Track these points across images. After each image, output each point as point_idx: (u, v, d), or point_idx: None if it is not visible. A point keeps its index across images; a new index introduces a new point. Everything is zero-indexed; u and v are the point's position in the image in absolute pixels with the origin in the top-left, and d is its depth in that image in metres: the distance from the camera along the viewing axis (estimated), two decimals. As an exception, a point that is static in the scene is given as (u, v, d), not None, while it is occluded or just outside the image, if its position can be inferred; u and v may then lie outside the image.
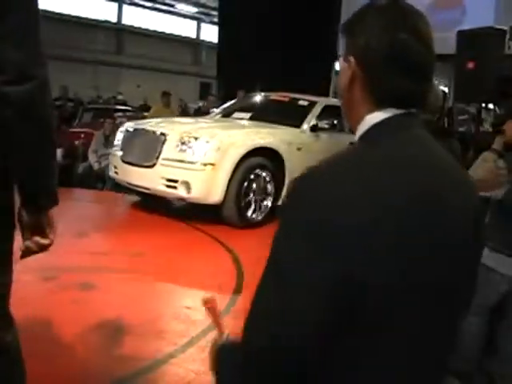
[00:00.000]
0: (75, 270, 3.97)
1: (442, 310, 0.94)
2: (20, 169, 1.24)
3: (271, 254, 0.87)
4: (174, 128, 5.88)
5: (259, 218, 5.84)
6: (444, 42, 8.71)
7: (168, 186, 5.46)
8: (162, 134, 5.67)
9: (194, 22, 29.54)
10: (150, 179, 5.56)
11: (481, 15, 8.76)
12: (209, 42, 27.36)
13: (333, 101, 7.36)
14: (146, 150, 5.70)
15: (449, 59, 6.58)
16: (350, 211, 0.83)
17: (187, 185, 5.35)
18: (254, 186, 5.76)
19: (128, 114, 11.52)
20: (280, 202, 5.73)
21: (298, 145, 6.18)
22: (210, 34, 26.35)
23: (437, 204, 0.90)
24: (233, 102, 8.09)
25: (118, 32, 26.04)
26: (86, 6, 23.99)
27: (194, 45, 29.35)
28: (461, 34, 6.42)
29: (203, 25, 29.57)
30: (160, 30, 27.24)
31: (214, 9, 23.13)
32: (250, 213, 5.75)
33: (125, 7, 26.38)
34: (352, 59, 0.96)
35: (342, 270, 0.82)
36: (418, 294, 0.88)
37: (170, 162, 5.46)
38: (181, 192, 5.39)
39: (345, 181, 0.86)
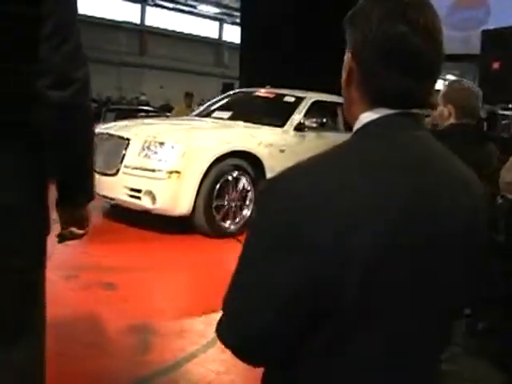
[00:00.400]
0: (95, 270, 4.01)
1: (426, 311, 0.89)
2: (59, 169, 1.26)
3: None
4: (138, 132, 5.36)
5: (232, 228, 5.27)
6: (467, 41, 8.67)
7: (131, 196, 5.00)
8: (125, 138, 5.19)
9: (216, 23, 29.65)
10: (114, 188, 5.10)
11: (506, 15, 8.65)
12: (230, 43, 27.45)
13: (324, 96, 6.65)
14: (109, 156, 5.18)
15: (473, 59, 6.51)
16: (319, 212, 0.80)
17: (151, 195, 4.89)
18: (231, 191, 5.26)
19: (150, 114, 11.62)
20: None
21: (280, 146, 5.64)
22: (233, 34, 26.41)
23: (420, 206, 0.84)
24: (214, 100, 7.42)
25: (141, 33, 26.26)
26: (110, 8, 24.22)
27: (217, 45, 29.47)
28: (485, 34, 6.36)
29: (225, 25, 29.66)
30: (182, 31, 27.39)
31: (236, 9, 23.19)
32: (224, 223, 5.23)
33: (148, 8, 26.58)
34: (349, 54, 0.91)
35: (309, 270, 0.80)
36: (398, 292, 0.84)
37: (133, 169, 5.01)
38: (145, 203, 4.92)
39: (311, 180, 0.83)
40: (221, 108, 6.83)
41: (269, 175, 5.24)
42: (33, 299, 1.32)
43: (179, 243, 4.89)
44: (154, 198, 4.86)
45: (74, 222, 1.39)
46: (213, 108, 6.97)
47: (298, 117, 6.03)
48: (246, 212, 5.42)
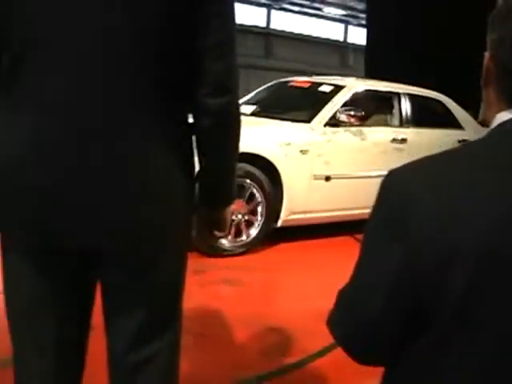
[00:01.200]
0: (221, 266, 4.15)
1: None
2: (207, 171, 1.33)
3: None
4: None
5: (228, 246, 4.34)
6: None
7: None
8: None
9: (341, 25, 29.45)
10: None
11: None
12: (355, 44, 27.15)
13: (377, 84, 5.83)
14: None
15: None
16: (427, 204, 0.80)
17: None
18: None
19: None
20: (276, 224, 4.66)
21: (301, 146, 4.60)
22: (358, 36, 26.11)
23: None
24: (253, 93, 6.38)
25: (267, 36, 26.68)
26: (237, 13, 24.84)
27: (341, 47, 29.25)
28: None
29: (350, 27, 29.39)
30: (308, 33, 27.50)
31: (361, 11, 22.90)
32: (224, 240, 4.27)
33: (273, 12, 26.98)
34: (487, 54, 0.91)
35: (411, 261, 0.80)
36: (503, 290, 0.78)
37: None
38: None
39: (428, 173, 0.85)
40: (248, 102, 5.90)
41: (284, 183, 4.52)
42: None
43: (306, 243, 4.94)
44: None
45: (216, 225, 1.45)
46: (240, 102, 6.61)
47: (329, 109, 4.97)
48: (254, 231, 4.50)
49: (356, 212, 4.94)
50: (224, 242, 4.27)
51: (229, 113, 1.28)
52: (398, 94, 5.76)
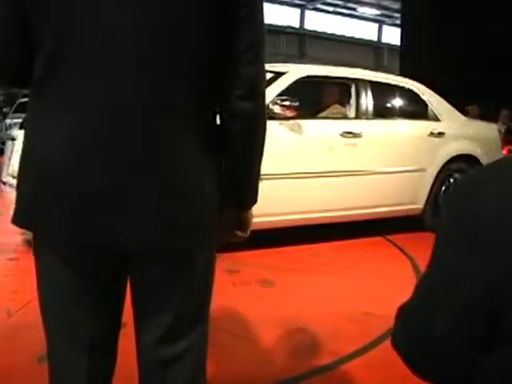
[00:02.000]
0: (255, 266, 4.19)
1: None
2: (232, 171, 1.35)
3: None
4: None
5: None
6: None
7: None
8: None
9: (375, 25, 29.22)
10: None
11: None
12: (389, 44, 26.90)
13: (320, 69, 5.33)
14: None
15: None
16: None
17: None
18: None
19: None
20: None
21: None
22: (392, 36, 25.84)
23: None
24: None
25: (300, 37, 26.65)
26: (271, 13, 24.87)
27: (376, 48, 29.02)
28: None
29: (385, 27, 29.12)
30: (341, 33, 27.36)
31: (396, 11, 22.67)
32: None
33: (307, 12, 26.93)
34: None
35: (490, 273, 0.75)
36: None
37: None
38: None
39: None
40: None
41: None
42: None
43: (338, 245, 4.93)
44: None
45: (238, 225, 1.46)
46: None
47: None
48: None
49: (293, 217, 4.64)
50: None
51: (259, 115, 1.31)
52: (356, 82, 5.20)
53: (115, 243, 1.22)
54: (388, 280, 4.06)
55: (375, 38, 29.22)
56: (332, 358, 2.74)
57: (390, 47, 26.37)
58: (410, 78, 5.99)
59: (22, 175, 1.28)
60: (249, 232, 1.50)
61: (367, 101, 5.19)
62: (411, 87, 5.66)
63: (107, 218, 1.19)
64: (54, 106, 1.20)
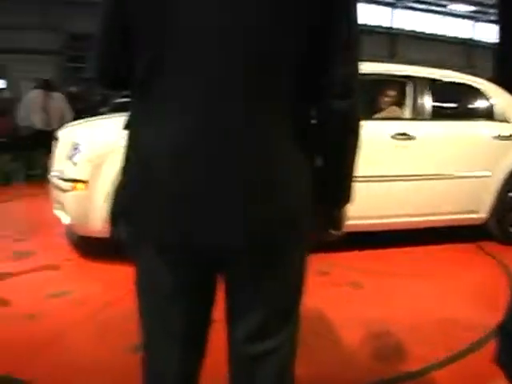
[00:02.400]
0: (346, 268, 4.19)
1: None
2: (328, 170, 1.36)
3: None
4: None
5: None
6: None
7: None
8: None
9: (469, 22, 28.18)
10: None
11: None
12: (480, 42, 25.93)
13: (371, 67, 4.68)
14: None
15: None
16: None
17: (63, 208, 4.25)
18: None
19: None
20: None
21: None
22: (487, 33, 24.85)
23: None
24: None
25: (391, 36, 26.14)
26: (361, 13, 24.53)
27: (469, 46, 27.99)
28: None
29: (478, 24, 28.03)
30: (433, 31, 26.60)
31: (491, 6, 21.77)
32: None
33: (397, 11, 26.38)
34: None
35: None
36: None
37: None
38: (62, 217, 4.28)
39: None
40: None
41: None
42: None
43: (430, 251, 4.82)
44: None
45: (332, 224, 1.47)
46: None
47: None
48: None
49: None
50: None
51: (354, 114, 1.31)
52: (413, 80, 4.89)
53: (212, 243, 1.24)
54: (480, 289, 3.96)
55: (468, 36, 28.17)
56: (419, 364, 2.70)
57: (485, 45, 25.36)
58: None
59: (124, 174, 1.34)
60: (343, 231, 1.50)
61: (425, 100, 4.89)
62: (477, 86, 5.21)
63: (204, 218, 1.22)
64: (155, 106, 1.24)
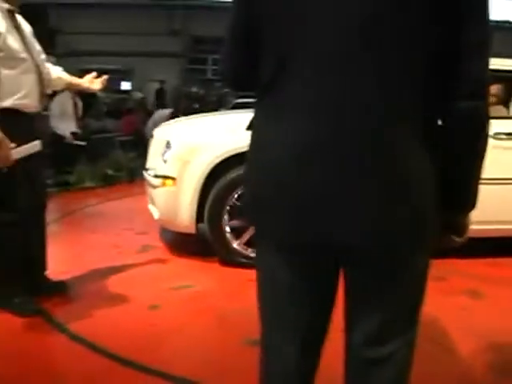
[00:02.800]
0: (463, 276, 4.05)
1: None
2: (458, 176, 1.33)
3: None
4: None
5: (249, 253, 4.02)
6: None
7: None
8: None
9: None
10: None
11: None
12: None
13: None
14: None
15: None
16: None
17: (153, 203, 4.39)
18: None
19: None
20: None
21: None
22: None
23: None
24: None
25: None
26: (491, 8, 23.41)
27: None
28: None
29: None
30: None
31: None
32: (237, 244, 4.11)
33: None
34: None
35: None
36: None
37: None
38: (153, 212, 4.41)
39: None
40: None
41: None
42: None
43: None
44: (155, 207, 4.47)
45: (455, 229, 1.42)
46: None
47: None
48: None
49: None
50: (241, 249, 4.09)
51: (484, 115, 1.26)
52: None
53: (335, 243, 1.24)
54: None
55: None
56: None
57: None
58: None
59: (248, 173, 1.37)
60: (465, 238, 1.45)
61: None
62: None
63: (328, 218, 1.22)
64: (282, 106, 1.26)
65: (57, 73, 3.59)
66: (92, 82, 3.70)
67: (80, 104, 8.52)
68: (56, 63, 3.75)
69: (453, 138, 1.28)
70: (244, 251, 4.08)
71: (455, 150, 1.30)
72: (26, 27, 3.27)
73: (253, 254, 3.85)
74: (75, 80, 3.74)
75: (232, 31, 1.36)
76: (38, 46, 3.28)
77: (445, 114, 1.27)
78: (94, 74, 3.74)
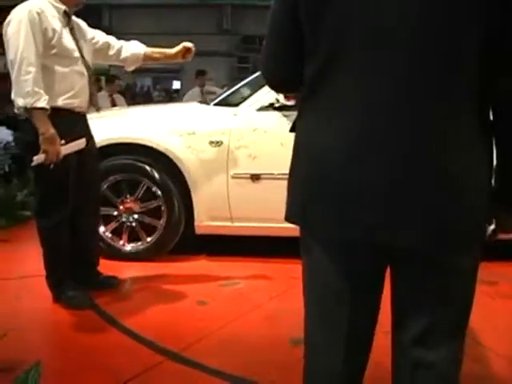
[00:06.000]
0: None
1: None
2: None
3: None
4: None
5: (129, 251, 4.12)
6: None
7: None
8: None
9: None
10: None
11: None
12: None
13: None
14: None
15: None
16: None
17: None
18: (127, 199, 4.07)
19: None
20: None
21: (212, 137, 3.87)
22: None
23: None
24: None
25: None
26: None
27: None
28: None
29: None
30: None
31: None
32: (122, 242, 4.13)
33: None
34: None
35: None
36: None
37: None
38: None
39: None
40: None
41: (190, 181, 3.91)
42: None
43: None
44: None
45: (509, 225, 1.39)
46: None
47: (266, 91, 3.89)
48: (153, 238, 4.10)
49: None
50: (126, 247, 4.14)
51: None
52: None
53: (384, 241, 1.24)
54: None
55: None
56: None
57: None
58: None
59: (295, 173, 1.37)
60: None
61: None
62: None
63: (378, 215, 1.22)
64: (329, 105, 1.26)
65: (131, 49, 3.57)
66: (186, 54, 3.65)
67: (121, 102, 8.33)
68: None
69: (510, 134, 1.27)
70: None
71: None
72: (83, 29, 3.37)
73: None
74: (157, 51, 3.69)
75: (276, 31, 1.36)
76: (90, 48, 3.36)
77: (498, 110, 1.27)
78: (189, 44, 3.64)
